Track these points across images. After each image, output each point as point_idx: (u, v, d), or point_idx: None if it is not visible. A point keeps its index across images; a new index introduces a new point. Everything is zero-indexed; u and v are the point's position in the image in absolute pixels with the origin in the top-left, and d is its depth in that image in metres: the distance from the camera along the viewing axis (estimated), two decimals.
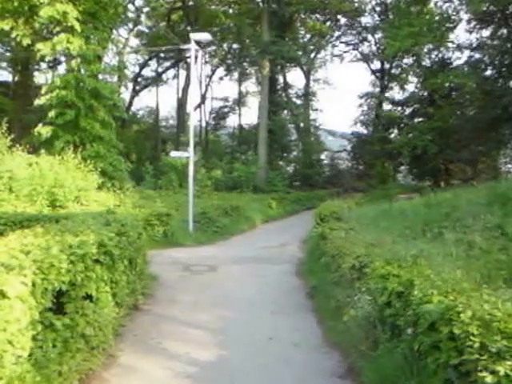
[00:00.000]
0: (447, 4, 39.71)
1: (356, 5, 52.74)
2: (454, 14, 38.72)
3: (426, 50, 43.01)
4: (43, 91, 26.77)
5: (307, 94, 54.94)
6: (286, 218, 34.23)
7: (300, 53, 47.42)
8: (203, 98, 58.03)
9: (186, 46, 22.43)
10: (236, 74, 59.92)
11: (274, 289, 12.13)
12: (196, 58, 22.24)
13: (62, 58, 30.58)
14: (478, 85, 33.74)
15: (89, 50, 26.62)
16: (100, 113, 27.14)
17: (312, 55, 56.40)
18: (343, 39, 58.23)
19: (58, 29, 27.12)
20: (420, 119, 43.42)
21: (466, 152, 38.71)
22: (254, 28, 45.93)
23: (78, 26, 25.87)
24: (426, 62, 43.39)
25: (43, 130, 25.64)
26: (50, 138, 25.68)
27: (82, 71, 27.07)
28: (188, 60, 52.66)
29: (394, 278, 6.62)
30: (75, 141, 26.02)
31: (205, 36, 20.90)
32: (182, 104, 49.03)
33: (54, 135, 25.81)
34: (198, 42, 21.18)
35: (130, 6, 48.12)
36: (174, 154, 24.62)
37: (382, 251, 8.41)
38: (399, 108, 52.59)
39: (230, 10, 51.00)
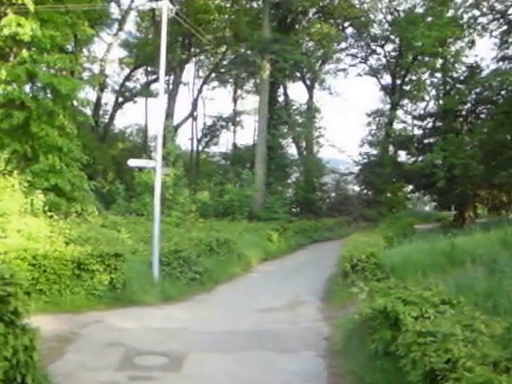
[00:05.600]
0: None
1: (366, 9, 47.89)
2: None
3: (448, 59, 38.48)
4: None
5: (310, 109, 49.15)
6: (290, 254, 27.00)
7: (304, 56, 42.11)
8: (193, 109, 52.70)
9: (155, 3, 16.36)
10: (231, 85, 55.13)
11: None
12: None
13: None
14: None
15: (44, 37, 21.35)
16: (58, 117, 21.93)
17: (317, 65, 51.27)
18: (350, 51, 53.54)
19: (9, 10, 21.88)
20: (443, 136, 37.45)
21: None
22: (253, 28, 40.29)
23: (30, 5, 20.63)
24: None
25: None
26: None
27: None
28: (177, 70, 47.46)
29: None
30: (26, 151, 21.21)
31: None
32: (168, 115, 43.15)
33: None
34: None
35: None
36: (132, 162, 17.55)
37: None
38: (410, 127, 48.46)
39: (226, 16, 46.16)
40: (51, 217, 16.83)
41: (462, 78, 37.80)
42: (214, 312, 12.90)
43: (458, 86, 36.67)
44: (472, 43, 35.19)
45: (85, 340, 9.24)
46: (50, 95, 22.87)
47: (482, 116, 38.40)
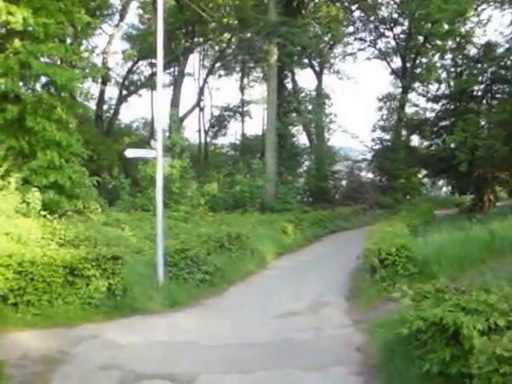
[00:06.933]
0: None
1: None
2: None
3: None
4: None
5: (319, 95, 47.64)
6: (306, 247, 25.16)
7: (312, 40, 40.89)
8: (200, 99, 51.77)
9: None
10: (237, 73, 54.25)
11: None
12: None
13: None
14: None
15: (38, 25, 19.99)
16: (55, 110, 20.73)
17: (326, 49, 49.85)
18: (358, 35, 52.19)
19: None
20: (460, 117, 35.87)
21: None
22: (258, 13, 38.62)
23: None
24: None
25: None
26: None
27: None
28: (181, 58, 46.25)
29: None
30: (22, 147, 19.86)
31: None
32: (174, 106, 41.95)
33: None
34: None
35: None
36: (130, 153, 15.83)
37: None
38: (422, 111, 46.97)
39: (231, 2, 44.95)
40: (45, 216, 15.56)
41: (476, 56, 36.05)
42: (226, 319, 11.40)
43: (473, 64, 35.17)
44: (487, 20, 33.78)
45: (76, 362, 7.89)
46: (46, 87, 21.82)
47: (498, 96, 36.97)
